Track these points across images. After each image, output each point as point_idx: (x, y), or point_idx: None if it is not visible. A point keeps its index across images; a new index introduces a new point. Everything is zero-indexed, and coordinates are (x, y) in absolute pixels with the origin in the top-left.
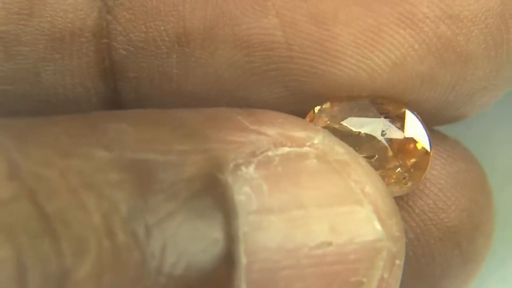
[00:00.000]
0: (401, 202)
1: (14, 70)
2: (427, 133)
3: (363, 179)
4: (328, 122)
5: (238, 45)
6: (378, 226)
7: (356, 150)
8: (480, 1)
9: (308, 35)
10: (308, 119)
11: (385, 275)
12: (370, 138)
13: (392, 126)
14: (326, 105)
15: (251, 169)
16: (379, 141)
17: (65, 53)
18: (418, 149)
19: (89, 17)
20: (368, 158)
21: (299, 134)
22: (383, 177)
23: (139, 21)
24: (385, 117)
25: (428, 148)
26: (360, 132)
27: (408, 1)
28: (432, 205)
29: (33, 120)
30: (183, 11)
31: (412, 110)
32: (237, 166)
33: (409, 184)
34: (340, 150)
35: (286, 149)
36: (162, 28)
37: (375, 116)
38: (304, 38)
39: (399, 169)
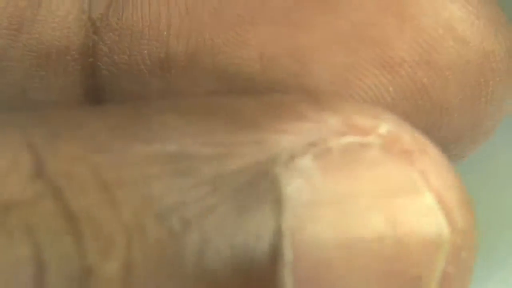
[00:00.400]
0: None
1: (2, 85)
2: None
3: (428, 168)
4: None
5: (218, 75)
6: (441, 218)
7: None
8: (461, 52)
9: (285, 69)
10: None
11: (449, 269)
12: None
13: None
14: None
15: (307, 160)
16: None
17: (51, 70)
18: None
19: (76, 36)
20: None
21: (364, 122)
22: None
23: (123, 43)
24: None
25: None
26: None
27: (387, 43)
28: None
29: (72, 112)
30: (167, 37)
31: None
32: (292, 157)
33: None
34: (407, 138)
35: (348, 139)
36: (145, 52)
37: None
38: (281, 71)
39: None
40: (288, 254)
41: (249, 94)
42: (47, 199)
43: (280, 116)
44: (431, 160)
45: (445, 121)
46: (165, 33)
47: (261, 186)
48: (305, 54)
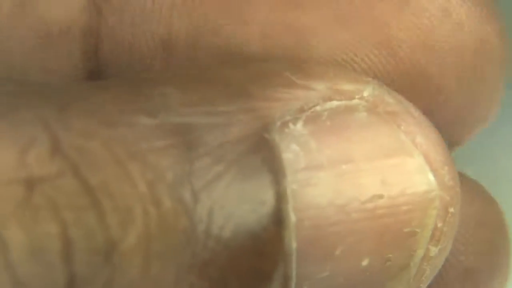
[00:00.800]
0: None
1: (2, 67)
2: None
3: (413, 129)
4: None
5: (217, 54)
6: (430, 176)
7: None
8: (458, 36)
9: (286, 48)
10: None
11: (439, 224)
12: None
13: None
14: None
15: (299, 125)
16: None
17: (52, 52)
18: None
19: (79, 16)
20: None
21: (348, 86)
22: None
23: (126, 23)
24: None
25: None
26: None
27: (387, 24)
28: (451, 248)
29: (78, 86)
30: (170, 17)
31: None
32: (285, 124)
33: None
34: (390, 100)
35: (335, 103)
36: (148, 32)
37: None
38: (282, 51)
39: None
40: (291, 217)
41: (235, 63)
42: (67, 176)
43: (269, 84)
44: (415, 121)
45: (442, 103)
46: (168, 13)
47: (261, 153)
48: (305, 34)
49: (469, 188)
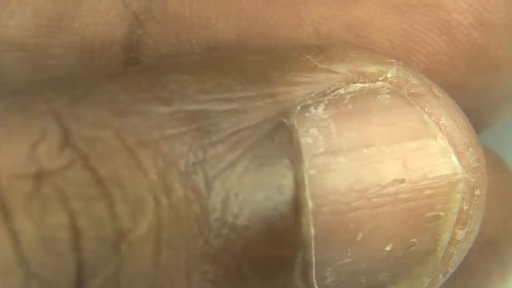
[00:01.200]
0: None
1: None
2: None
3: (438, 110)
4: None
5: None
6: (454, 159)
7: None
8: (509, 9)
9: (345, 43)
10: None
11: (465, 207)
12: None
13: None
14: None
15: (320, 109)
16: None
17: (93, 67)
18: None
19: (119, 31)
20: None
21: (371, 69)
22: None
23: (171, 34)
24: None
25: None
26: None
27: (442, 8)
28: None
29: (92, 77)
30: (216, 24)
31: None
32: (305, 108)
33: None
34: (415, 82)
35: (358, 86)
36: (194, 41)
37: None
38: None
39: None
40: (308, 203)
41: (255, 50)
42: (77, 166)
43: (289, 68)
44: (439, 102)
45: (499, 78)
46: (213, 20)
47: (278, 138)
48: (361, 27)
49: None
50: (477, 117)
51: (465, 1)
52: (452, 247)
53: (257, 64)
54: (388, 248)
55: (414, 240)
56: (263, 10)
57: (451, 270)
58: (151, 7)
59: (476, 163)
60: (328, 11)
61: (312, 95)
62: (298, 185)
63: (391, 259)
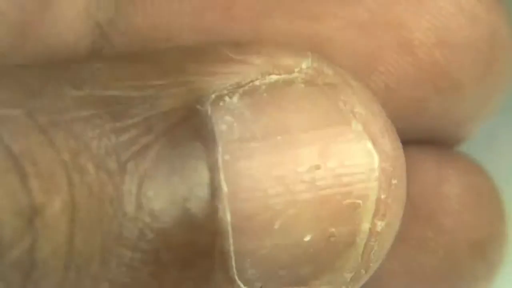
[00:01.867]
0: (432, 221)
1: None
2: None
3: (352, 99)
4: None
5: None
6: (369, 146)
7: None
8: (472, 29)
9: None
10: None
11: (383, 196)
12: None
13: None
14: None
15: (235, 99)
16: None
17: None
18: None
19: (83, 40)
20: None
21: (287, 60)
22: None
23: (134, 46)
24: None
25: None
26: None
27: (405, 27)
28: (458, 223)
29: (5, 66)
30: (179, 36)
31: None
32: (220, 97)
33: None
34: (329, 72)
35: (273, 77)
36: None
37: None
38: None
39: None
40: (223, 187)
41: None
42: None
43: (204, 59)
44: (354, 91)
45: (461, 98)
46: (176, 32)
47: (192, 124)
48: (324, 44)
49: (462, 163)
50: (441, 136)
51: (428, 21)
52: (372, 239)
53: (173, 56)
54: (307, 238)
55: (333, 230)
56: (223, 23)
57: (373, 266)
58: (115, 19)
59: (392, 152)
60: (289, 26)
61: (227, 85)
62: (213, 169)
63: (312, 250)
